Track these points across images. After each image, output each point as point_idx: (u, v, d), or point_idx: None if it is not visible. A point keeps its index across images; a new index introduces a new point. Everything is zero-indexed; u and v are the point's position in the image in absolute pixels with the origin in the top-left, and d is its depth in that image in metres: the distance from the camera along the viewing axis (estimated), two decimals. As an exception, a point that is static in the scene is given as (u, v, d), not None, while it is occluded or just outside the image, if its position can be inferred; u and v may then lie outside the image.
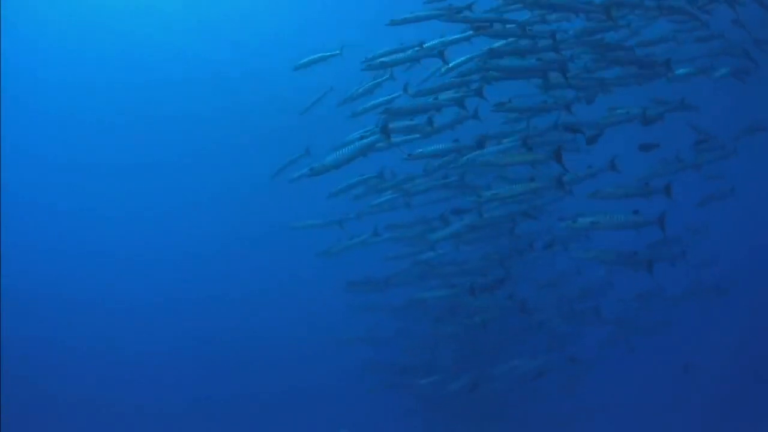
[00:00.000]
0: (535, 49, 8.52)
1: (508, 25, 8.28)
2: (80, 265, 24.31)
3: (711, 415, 16.77)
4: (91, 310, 23.00)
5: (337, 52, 10.85)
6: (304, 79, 11.56)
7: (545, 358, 13.53)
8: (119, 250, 25.00)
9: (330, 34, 10.96)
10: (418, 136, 9.06)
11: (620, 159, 9.73)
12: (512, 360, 13.18)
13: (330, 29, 11.20)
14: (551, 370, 13.68)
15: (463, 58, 8.80)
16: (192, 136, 24.94)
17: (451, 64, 8.85)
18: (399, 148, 8.88)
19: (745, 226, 19.45)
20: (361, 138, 7.86)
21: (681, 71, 11.27)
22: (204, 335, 22.57)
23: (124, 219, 25.62)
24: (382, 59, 9.04)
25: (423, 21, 9.00)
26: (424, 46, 9.09)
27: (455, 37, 9.01)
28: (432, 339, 13.76)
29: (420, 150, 8.84)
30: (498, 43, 8.58)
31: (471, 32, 8.68)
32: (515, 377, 13.54)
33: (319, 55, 11.13)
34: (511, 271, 11.31)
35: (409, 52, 9.10)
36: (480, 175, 9.92)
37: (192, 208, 25.57)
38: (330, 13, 18.83)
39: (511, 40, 8.49)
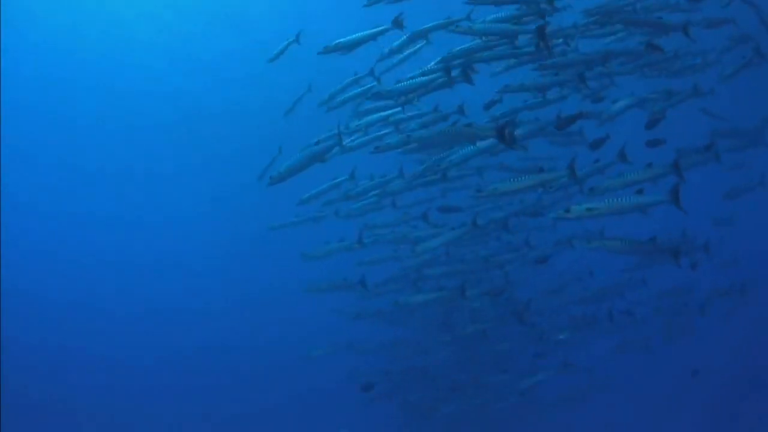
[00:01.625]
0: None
1: None
2: (70, 269, 24.35)
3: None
4: (83, 314, 22.98)
5: (294, 39, 11.03)
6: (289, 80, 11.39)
7: (542, 367, 12.81)
8: (111, 254, 25.02)
9: (316, 36, 10.60)
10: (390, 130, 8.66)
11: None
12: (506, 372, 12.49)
13: (316, 29, 10.85)
14: (548, 380, 12.97)
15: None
16: (185, 141, 24.81)
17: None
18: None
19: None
20: (317, 143, 7.57)
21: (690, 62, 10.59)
22: (197, 340, 22.50)
23: (116, 223, 25.62)
24: (339, 41, 8.85)
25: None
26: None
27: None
28: (425, 346, 13.19)
29: (388, 141, 8.19)
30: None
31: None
32: (512, 388, 12.89)
33: (285, 43, 11.27)
34: (509, 273, 10.70)
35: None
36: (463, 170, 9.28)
37: (186, 211, 25.56)
38: (317, 14, 18.37)
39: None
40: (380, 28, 8.96)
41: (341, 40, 8.88)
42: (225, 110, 24.05)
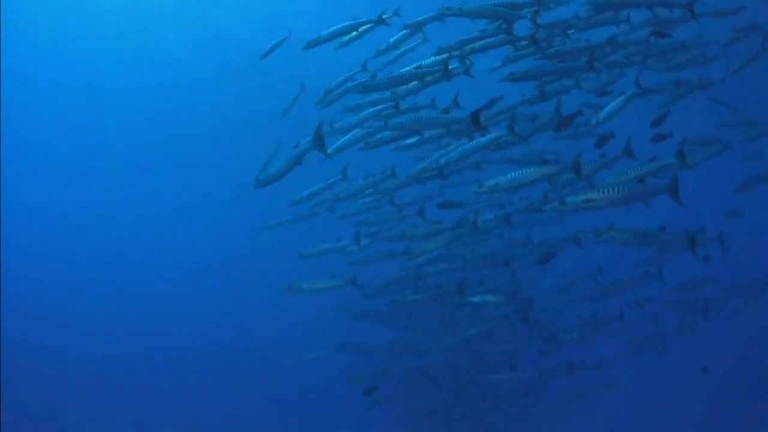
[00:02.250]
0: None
1: None
2: (66, 268, 24.49)
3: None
4: (79, 313, 23.07)
5: (285, 36, 10.97)
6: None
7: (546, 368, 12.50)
8: (107, 254, 25.12)
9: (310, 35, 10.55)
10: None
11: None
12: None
13: (307, 27, 10.72)
14: (553, 380, 12.67)
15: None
16: (181, 139, 24.73)
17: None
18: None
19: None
20: (296, 146, 7.54)
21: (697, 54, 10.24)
22: (195, 339, 22.58)
23: (111, 223, 25.74)
24: (321, 35, 8.97)
25: None
26: None
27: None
28: (425, 347, 12.97)
29: (378, 136, 8.11)
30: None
31: None
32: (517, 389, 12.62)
33: (276, 41, 11.24)
34: (515, 271, 10.46)
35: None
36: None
37: (182, 210, 25.59)
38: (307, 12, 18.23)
39: None
40: (362, 20, 8.95)
41: (323, 33, 8.93)
42: (223, 109, 23.96)
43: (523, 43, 8.39)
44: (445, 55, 7.93)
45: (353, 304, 12.23)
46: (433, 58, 8.06)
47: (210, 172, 24.72)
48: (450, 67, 7.93)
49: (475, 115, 7.16)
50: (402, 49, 9.74)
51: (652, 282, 12.60)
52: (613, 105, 8.65)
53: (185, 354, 22.32)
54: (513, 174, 7.43)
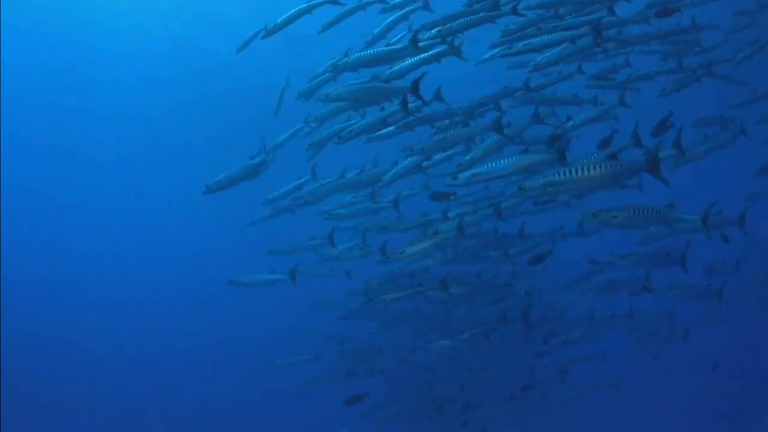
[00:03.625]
0: None
1: None
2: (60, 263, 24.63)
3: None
4: (73, 310, 23.12)
5: (263, 28, 10.47)
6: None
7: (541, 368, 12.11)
8: (100, 248, 25.24)
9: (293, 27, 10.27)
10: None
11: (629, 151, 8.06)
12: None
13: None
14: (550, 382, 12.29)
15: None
16: (175, 134, 24.77)
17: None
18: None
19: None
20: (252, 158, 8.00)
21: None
22: (190, 336, 22.62)
23: (103, 218, 25.83)
24: (276, 22, 9.12)
25: None
26: None
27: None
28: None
29: (350, 129, 8.01)
30: None
31: None
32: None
33: (252, 33, 11.02)
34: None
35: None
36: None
37: (173, 206, 25.61)
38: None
39: None
40: (315, 2, 8.98)
41: (278, 20, 9.03)
42: (221, 106, 23.92)
43: (514, 28, 8.07)
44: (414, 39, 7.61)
45: (345, 302, 11.92)
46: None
47: (206, 169, 24.70)
48: (437, 50, 7.59)
49: (415, 83, 7.03)
50: (391, 40, 9.44)
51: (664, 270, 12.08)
52: (588, 114, 8.45)
53: (182, 350, 22.32)
54: (492, 164, 6.77)
